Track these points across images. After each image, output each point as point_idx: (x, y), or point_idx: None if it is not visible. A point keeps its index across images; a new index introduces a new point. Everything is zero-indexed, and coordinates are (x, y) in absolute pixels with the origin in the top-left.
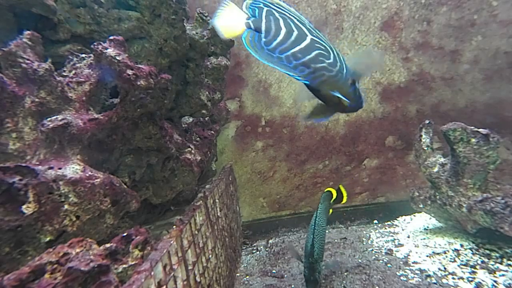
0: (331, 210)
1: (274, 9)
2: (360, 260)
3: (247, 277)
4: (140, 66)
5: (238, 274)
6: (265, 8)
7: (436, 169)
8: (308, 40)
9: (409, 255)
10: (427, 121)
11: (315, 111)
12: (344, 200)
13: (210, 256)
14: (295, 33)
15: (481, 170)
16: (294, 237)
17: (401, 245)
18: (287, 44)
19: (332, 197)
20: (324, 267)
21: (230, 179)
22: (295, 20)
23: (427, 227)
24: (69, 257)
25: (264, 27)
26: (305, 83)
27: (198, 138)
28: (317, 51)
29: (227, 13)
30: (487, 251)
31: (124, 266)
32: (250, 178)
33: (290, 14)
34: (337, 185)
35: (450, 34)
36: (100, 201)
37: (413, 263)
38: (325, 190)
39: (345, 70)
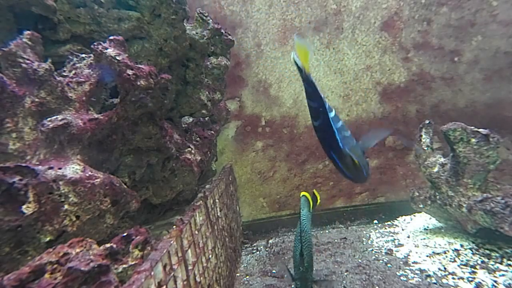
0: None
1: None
2: (360, 260)
3: (247, 277)
4: (140, 66)
5: (238, 274)
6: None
7: (436, 169)
8: (333, 113)
9: (409, 255)
10: (427, 121)
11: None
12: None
13: (210, 256)
14: (328, 102)
15: (481, 170)
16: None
17: (401, 245)
18: (327, 106)
19: (310, 201)
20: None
21: (230, 179)
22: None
23: (427, 227)
24: (69, 257)
25: (315, 81)
26: (338, 148)
27: (198, 138)
28: (341, 123)
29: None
30: (487, 251)
31: (124, 266)
32: (250, 178)
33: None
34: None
35: (450, 34)
36: (100, 201)
37: (413, 263)
38: (301, 195)
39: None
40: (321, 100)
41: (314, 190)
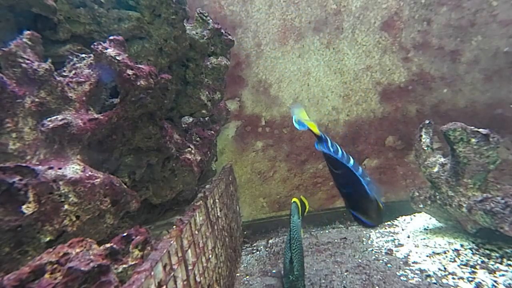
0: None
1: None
2: (360, 260)
3: (247, 277)
4: (140, 66)
5: (238, 274)
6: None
7: (436, 169)
8: (352, 162)
9: (409, 255)
10: (427, 121)
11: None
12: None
13: (210, 256)
14: (340, 150)
15: (481, 170)
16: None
17: (401, 245)
18: (345, 158)
19: (300, 207)
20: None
21: (230, 179)
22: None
23: (427, 227)
24: (69, 257)
25: (329, 140)
26: (365, 192)
27: (198, 138)
28: (361, 169)
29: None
30: (487, 251)
31: (124, 266)
32: (250, 178)
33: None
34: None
35: (450, 34)
36: (100, 201)
37: (413, 263)
38: (292, 201)
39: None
40: (338, 154)
41: (302, 196)
